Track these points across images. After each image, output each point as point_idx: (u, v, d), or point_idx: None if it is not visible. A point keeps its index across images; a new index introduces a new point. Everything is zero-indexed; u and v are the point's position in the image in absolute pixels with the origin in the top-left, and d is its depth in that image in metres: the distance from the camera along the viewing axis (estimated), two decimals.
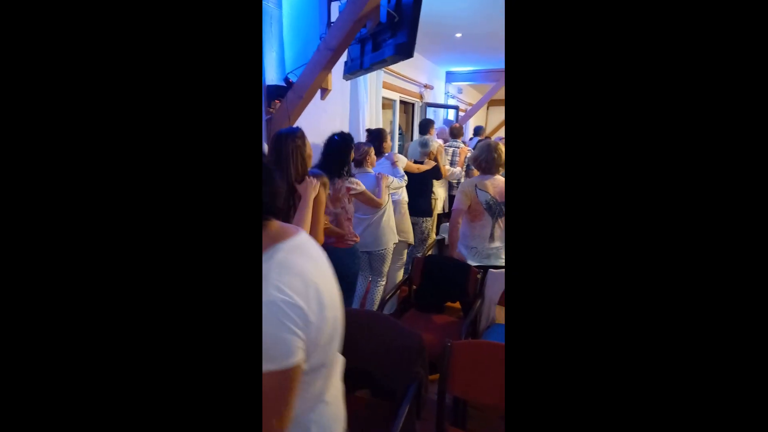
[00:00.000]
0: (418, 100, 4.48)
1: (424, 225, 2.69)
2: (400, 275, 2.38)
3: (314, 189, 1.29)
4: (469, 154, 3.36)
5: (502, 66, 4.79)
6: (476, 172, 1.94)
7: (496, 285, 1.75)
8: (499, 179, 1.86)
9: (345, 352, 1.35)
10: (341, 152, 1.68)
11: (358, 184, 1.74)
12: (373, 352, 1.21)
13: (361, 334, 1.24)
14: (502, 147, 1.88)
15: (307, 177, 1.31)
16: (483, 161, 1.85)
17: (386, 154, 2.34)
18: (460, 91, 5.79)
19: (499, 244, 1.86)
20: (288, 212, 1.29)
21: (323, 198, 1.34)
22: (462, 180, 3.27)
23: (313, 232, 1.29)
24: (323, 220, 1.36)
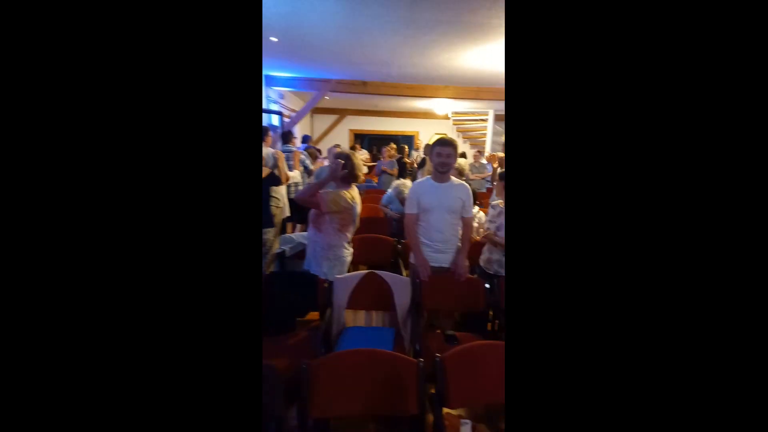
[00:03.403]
0: None
1: (265, 236, 2.51)
2: None
3: None
4: (302, 157, 3.36)
5: (323, 76, 4.98)
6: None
7: (342, 290, 1.80)
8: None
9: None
10: None
11: None
12: None
13: None
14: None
15: None
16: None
17: None
18: (281, 96, 5.68)
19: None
20: None
21: None
22: (299, 182, 3.25)
23: None
24: None
